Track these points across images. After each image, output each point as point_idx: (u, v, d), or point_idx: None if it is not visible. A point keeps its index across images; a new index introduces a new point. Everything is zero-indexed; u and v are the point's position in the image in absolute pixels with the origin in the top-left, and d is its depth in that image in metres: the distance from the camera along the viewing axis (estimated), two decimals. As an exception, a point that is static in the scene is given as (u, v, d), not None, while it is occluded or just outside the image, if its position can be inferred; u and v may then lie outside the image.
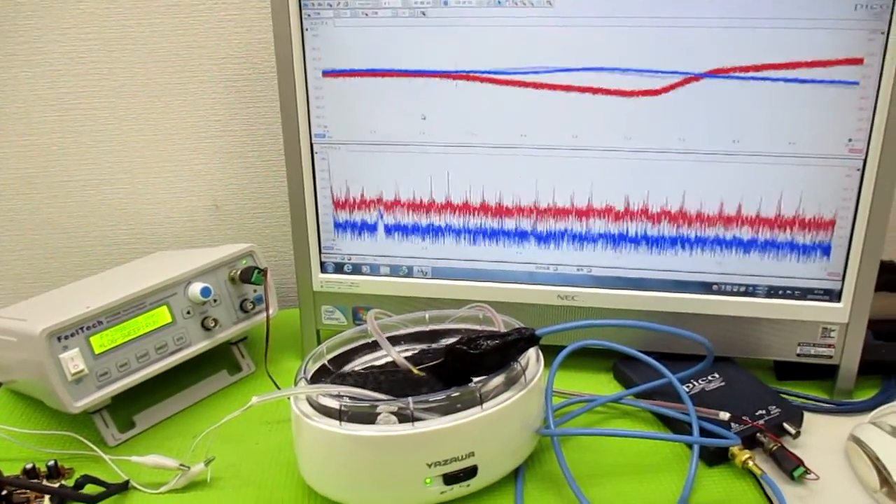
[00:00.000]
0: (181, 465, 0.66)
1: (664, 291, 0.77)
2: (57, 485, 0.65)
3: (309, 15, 0.75)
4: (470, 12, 0.72)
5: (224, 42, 0.93)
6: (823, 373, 0.78)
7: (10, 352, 0.70)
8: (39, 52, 0.93)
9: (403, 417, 0.59)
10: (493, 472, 0.63)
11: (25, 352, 0.67)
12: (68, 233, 1.02)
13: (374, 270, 0.83)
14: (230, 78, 0.95)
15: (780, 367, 0.80)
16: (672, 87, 0.71)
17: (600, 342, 0.75)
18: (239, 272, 0.79)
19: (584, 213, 0.77)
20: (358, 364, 0.71)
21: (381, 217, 0.81)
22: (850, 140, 0.70)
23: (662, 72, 0.71)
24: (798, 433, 0.68)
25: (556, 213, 0.77)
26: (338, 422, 0.59)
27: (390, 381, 0.64)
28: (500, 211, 0.78)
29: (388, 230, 0.81)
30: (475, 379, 0.62)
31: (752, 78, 0.69)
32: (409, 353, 0.70)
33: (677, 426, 0.70)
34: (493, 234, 0.79)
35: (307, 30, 0.75)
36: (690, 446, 0.67)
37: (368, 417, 0.59)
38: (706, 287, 0.77)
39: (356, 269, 0.83)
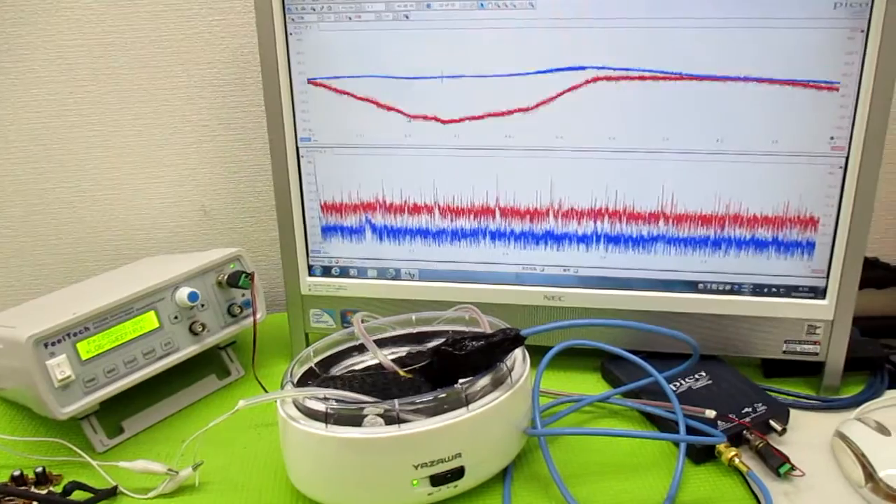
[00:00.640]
0: (169, 469, 0.66)
1: (650, 291, 0.78)
2: (45, 491, 0.65)
3: (293, 19, 0.75)
4: (453, 15, 0.72)
5: (210, 47, 0.94)
6: (810, 370, 0.78)
7: (-3, 359, 0.70)
8: (25, 60, 0.93)
9: (390, 419, 0.59)
10: (481, 473, 0.63)
11: (12, 359, 0.67)
12: (56, 240, 1.02)
13: (362, 273, 0.83)
14: (216, 83, 0.95)
15: (768, 365, 0.80)
16: (655, 87, 0.71)
17: (587, 342, 0.75)
18: (226, 276, 0.79)
19: (570, 214, 0.77)
20: (345, 367, 0.72)
21: (368, 220, 0.81)
22: (832, 138, 0.70)
23: (645, 70, 0.71)
24: (784, 430, 0.69)
25: (541, 213, 0.77)
26: (324, 424, 0.59)
27: (377, 383, 0.65)
28: (487, 212, 0.78)
29: (375, 233, 0.81)
30: (461, 380, 0.62)
31: (735, 77, 0.70)
32: (396, 355, 0.70)
33: (664, 425, 0.71)
34: (480, 236, 0.79)
35: (291, 34, 0.75)
36: (677, 444, 0.67)
37: (355, 420, 0.59)
38: (692, 286, 0.77)
39: (344, 273, 0.83)
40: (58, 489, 0.65)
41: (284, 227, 0.81)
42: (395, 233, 0.81)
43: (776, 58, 0.69)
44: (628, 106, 0.72)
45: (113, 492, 0.65)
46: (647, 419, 0.73)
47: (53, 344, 0.67)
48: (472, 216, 0.79)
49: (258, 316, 0.82)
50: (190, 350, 0.77)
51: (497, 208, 0.78)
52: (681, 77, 0.71)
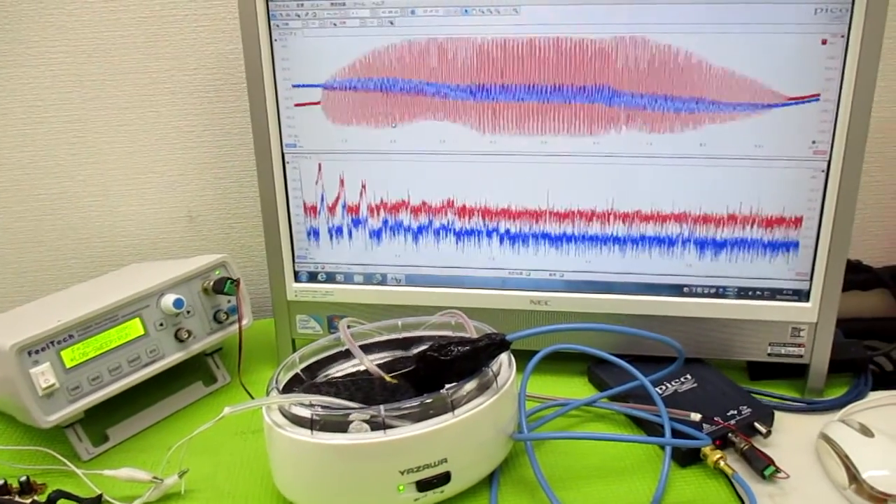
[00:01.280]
0: (154, 477, 0.65)
1: (636, 294, 0.78)
2: (29, 500, 0.64)
3: (277, 25, 0.75)
4: (437, 21, 0.72)
5: (195, 53, 0.93)
6: (795, 372, 0.79)
7: (-20, 368, 0.69)
8: (10, 66, 0.93)
9: (375, 425, 0.59)
10: (467, 478, 0.63)
11: (-5, 367, 0.66)
12: (41, 246, 1.01)
13: (348, 279, 0.83)
14: (202, 89, 0.95)
15: (753, 367, 0.80)
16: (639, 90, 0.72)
17: (573, 346, 0.75)
18: (212, 283, 0.79)
19: (555, 218, 0.77)
20: (332, 372, 0.72)
21: (354, 225, 0.81)
22: (813, 142, 0.71)
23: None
24: (769, 432, 0.69)
25: (527, 218, 0.78)
26: (309, 431, 0.59)
27: (363, 389, 0.65)
28: (472, 217, 0.79)
29: (361, 238, 0.81)
30: (447, 385, 0.62)
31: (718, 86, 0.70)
32: (382, 361, 0.70)
33: (650, 428, 0.71)
34: (465, 241, 0.79)
35: (276, 40, 0.75)
36: (663, 448, 0.68)
37: (340, 426, 0.59)
38: (677, 289, 0.78)
39: (330, 278, 0.83)
40: (42, 498, 0.65)
41: (270, 232, 0.81)
42: (380, 238, 0.81)
43: (757, 62, 0.69)
44: (611, 110, 0.73)
45: (98, 500, 0.65)
46: (634, 422, 0.73)
47: (37, 352, 0.67)
48: (457, 221, 0.79)
49: (244, 322, 0.81)
50: (175, 357, 0.76)
51: (483, 213, 0.78)
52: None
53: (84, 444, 0.72)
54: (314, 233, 0.82)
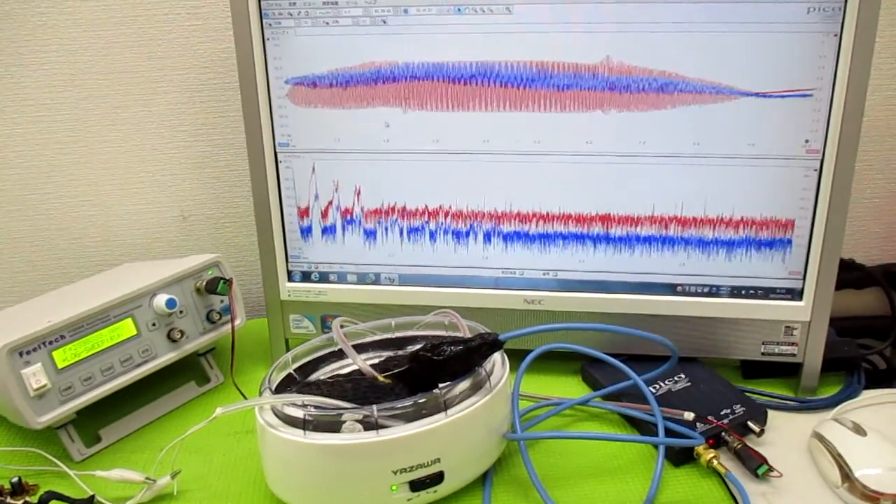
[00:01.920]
0: (147, 478, 0.65)
1: (629, 293, 0.78)
2: (21, 501, 0.64)
3: (270, 24, 0.75)
4: (430, 20, 0.72)
5: (188, 52, 0.93)
6: (788, 371, 0.79)
7: (-29, 368, 0.69)
8: (1, 65, 0.92)
9: (368, 425, 0.59)
10: (460, 478, 0.63)
11: (-13, 368, 0.66)
12: (33, 247, 1.01)
13: (342, 278, 0.83)
14: (194, 88, 0.95)
15: (747, 366, 0.81)
16: (631, 91, 0.72)
17: (566, 345, 0.75)
18: (205, 283, 0.79)
19: (548, 218, 0.77)
20: (325, 372, 0.71)
21: (347, 225, 0.81)
22: (806, 141, 0.71)
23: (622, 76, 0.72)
24: (762, 431, 0.69)
25: (520, 218, 0.78)
26: (302, 431, 0.59)
27: (356, 389, 0.64)
28: (466, 217, 0.78)
29: (355, 238, 0.81)
30: (440, 385, 0.62)
31: (711, 80, 0.70)
32: (375, 361, 0.70)
33: (644, 427, 0.71)
34: (459, 240, 0.79)
35: (268, 39, 0.75)
36: (656, 447, 0.68)
37: (333, 426, 0.59)
38: (670, 288, 0.78)
39: (323, 278, 0.83)
40: (34, 499, 0.64)
41: (263, 232, 0.81)
42: (374, 237, 0.81)
43: (750, 61, 0.69)
44: (604, 111, 0.73)
45: (90, 501, 0.65)
46: (627, 422, 0.73)
47: (29, 353, 0.66)
48: (451, 220, 0.79)
49: (237, 322, 0.81)
50: (168, 357, 0.76)
51: (477, 213, 0.78)
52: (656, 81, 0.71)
53: (76, 444, 0.72)
54: (307, 232, 0.81)
